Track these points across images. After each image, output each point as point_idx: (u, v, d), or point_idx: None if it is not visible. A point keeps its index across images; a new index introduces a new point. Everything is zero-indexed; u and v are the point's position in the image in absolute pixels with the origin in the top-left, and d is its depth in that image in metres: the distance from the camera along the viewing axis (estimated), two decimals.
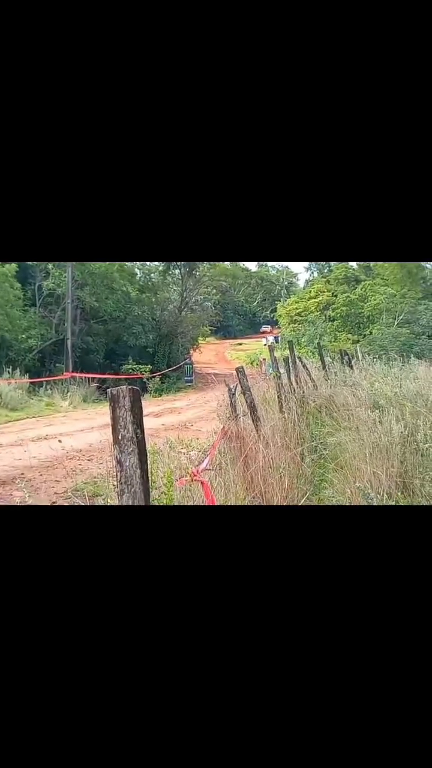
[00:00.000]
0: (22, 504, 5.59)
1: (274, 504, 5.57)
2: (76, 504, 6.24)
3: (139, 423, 3.05)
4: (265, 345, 32.33)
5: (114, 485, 4.54)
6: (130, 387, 3.03)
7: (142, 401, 2.95)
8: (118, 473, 3.08)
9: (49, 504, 6.64)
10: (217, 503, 4.81)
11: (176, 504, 4.74)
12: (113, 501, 4.89)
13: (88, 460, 9.74)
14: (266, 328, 46.83)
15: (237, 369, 8.20)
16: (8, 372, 20.55)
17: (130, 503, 3.04)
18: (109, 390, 3.08)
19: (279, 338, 41.86)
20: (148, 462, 3.15)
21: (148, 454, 3.16)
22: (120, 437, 3.02)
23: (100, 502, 6.32)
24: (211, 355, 48.01)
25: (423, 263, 38.46)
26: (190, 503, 4.80)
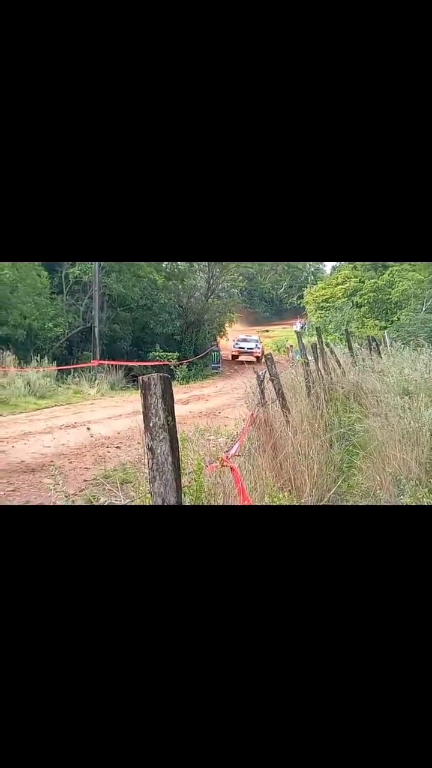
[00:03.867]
0: (54, 490, 5.63)
1: (305, 491, 5.58)
2: (107, 490, 6.29)
3: (170, 410, 3.07)
4: (294, 332, 32.22)
5: (145, 472, 4.57)
6: (161, 375, 3.05)
7: None
8: (150, 460, 3.10)
9: (78, 491, 6.69)
10: (246, 489, 4.83)
11: (206, 489, 4.77)
12: (143, 488, 4.93)
13: (117, 447, 9.80)
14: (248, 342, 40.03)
15: (265, 356, 8.20)
16: (36, 360, 20.60)
17: (162, 490, 3.06)
18: (140, 378, 3.10)
19: (306, 325, 41.72)
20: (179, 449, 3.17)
21: (179, 441, 3.18)
22: (151, 424, 3.04)
23: (129, 488, 6.36)
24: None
25: None
26: (220, 489, 4.83)
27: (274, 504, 4.52)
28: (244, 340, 38.25)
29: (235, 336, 40.04)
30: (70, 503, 5.04)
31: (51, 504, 5.99)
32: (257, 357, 34.60)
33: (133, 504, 4.61)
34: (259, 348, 36.31)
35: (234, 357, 36.37)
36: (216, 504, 4.65)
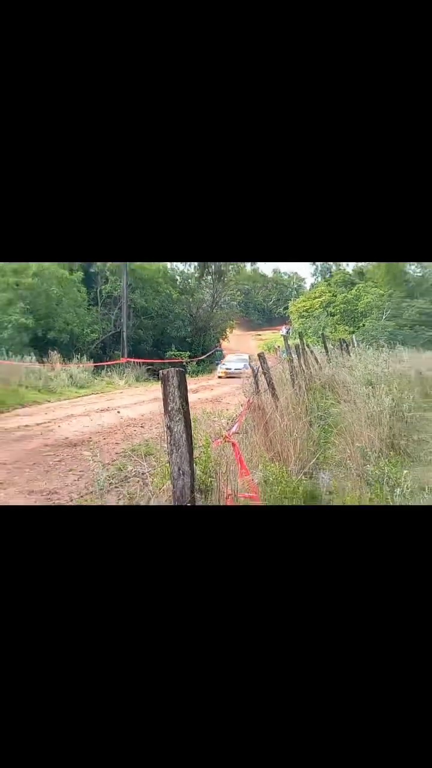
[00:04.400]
0: (92, 461, 5.63)
1: (291, 461, 5.57)
2: (133, 460, 6.28)
3: (184, 397, 3.07)
4: (281, 335, 32.09)
5: (164, 446, 4.57)
6: (177, 369, 3.05)
7: None
8: (168, 437, 3.10)
9: (111, 462, 6.68)
10: (244, 460, 4.82)
11: (213, 460, 4.76)
12: (163, 459, 4.93)
13: (141, 426, 9.77)
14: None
15: (258, 354, 8.22)
16: (77, 358, 20.66)
17: (179, 460, 3.06)
18: (160, 371, 3.10)
19: (290, 330, 41.62)
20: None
21: (191, 421, 3.19)
22: (170, 408, 3.04)
23: (151, 459, 6.35)
24: (236, 344, 47.79)
25: (405, 269, 38.19)
26: (224, 460, 4.82)
27: (274, 504, 4.48)
28: (232, 361, 26.24)
29: (239, 343, 35.48)
30: (105, 471, 5.04)
31: (91, 471, 5.99)
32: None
33: (133, 503, 4.58)
34: (248, 368, 21.36)
35: (220, 378, 24.46)
36: (220, 470, 4.64)
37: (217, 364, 27.58)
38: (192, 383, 20.43)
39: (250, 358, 23.84)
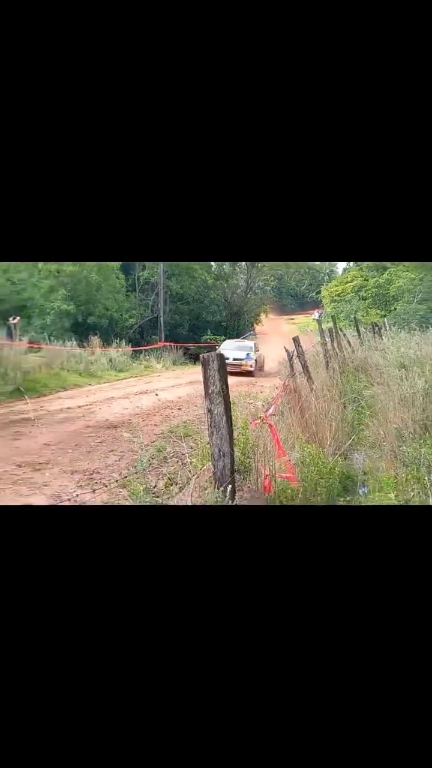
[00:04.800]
0: (133, 442, 5.66)
1: (326, 443, 5.54)
2: (172, 441, 6.31)
3: (224, 381, 3.07)
4: (313, 319, 31.92)
5: (201, 428, 4.58)
6: (217, 353, 3.06)
7: None
8: (209, 419, 3.11)
9: (150, 443, 6.72)
10: (281, 441, 4.80)
11: (251, 441, 4.76)
12: (202, 440, 4.94)
13: (179, 409, 9.81)
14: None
15: (294, 338, 8.19)
16: (116, 342, 20.84)
17: (219, 442, 3.06)
18: (201, 355, 3.10)
19: (323, 314, 41.37)
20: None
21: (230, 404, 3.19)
22: (210, 392, 3.04)
23: (189, 441, 6.37)
24: (269, 328, 47.54)
25: None
26: (261, 441, 4.81)
27: (310, 485, 4.45)
28: (230, 348, 19.96)
29: (272, 327, 34.22)
30: (145, 452, 5.06)
31: (131, 452, 6.03)
32: (248, 371, 18.45)
33: (173, 483, 4.60)
34: (252, 358, 19.27)
35: None
36: (258, 451, 4.64)
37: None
38: None
39: (255, 346, 20.68)
